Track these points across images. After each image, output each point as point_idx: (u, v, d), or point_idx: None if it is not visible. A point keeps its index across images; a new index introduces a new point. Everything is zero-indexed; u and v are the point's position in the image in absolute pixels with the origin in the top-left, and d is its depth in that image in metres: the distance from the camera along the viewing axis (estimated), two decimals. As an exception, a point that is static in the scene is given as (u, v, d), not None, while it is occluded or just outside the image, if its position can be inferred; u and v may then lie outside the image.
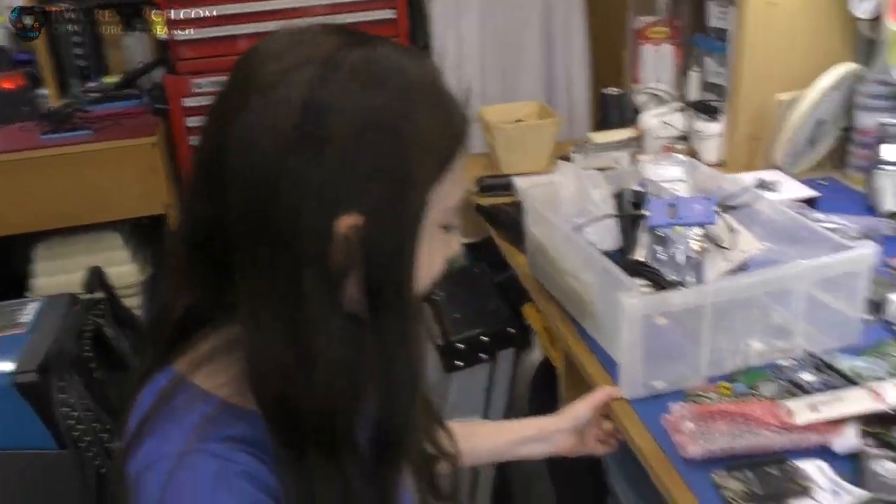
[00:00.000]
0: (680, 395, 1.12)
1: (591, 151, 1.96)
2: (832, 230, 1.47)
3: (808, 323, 1.19)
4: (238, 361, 0.69)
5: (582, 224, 1.38)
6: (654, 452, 1.04)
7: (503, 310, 1.92)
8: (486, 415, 1.94)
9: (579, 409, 1.13)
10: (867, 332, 1.23)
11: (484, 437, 1.11)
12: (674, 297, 1.11)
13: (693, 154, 1.90)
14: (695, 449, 1.00)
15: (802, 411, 1.01)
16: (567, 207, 1.45)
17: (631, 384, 1.14)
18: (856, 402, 1.00)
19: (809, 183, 1.72)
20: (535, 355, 1.91)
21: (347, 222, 0.65)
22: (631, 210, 1.38)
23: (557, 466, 1.82)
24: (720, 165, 1.93)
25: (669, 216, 1.32)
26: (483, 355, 1.89)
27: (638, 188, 1.44)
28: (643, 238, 1.36)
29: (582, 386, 1.27)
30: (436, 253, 0.72)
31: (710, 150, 1.92)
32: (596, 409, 1.13)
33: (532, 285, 1.51)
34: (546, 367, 1.82)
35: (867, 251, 1.15)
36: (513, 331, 1.90)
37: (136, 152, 2.41)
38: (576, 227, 1.37)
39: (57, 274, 2.43)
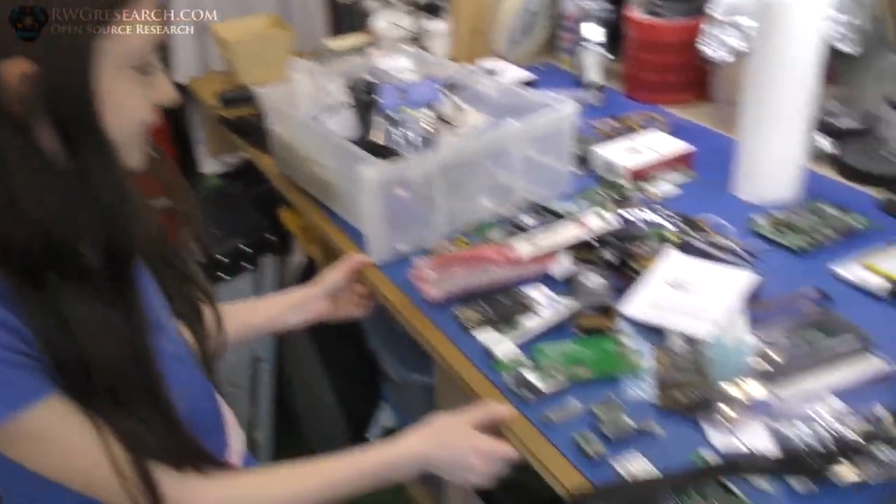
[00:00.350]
0: (423, 253, 1.24)
1: (327, 58, 2.02)
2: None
3: (526, 180, 1.34)
4: None
5: (320, 115, 1.44)
6: (403, 303, 1.15)
7: (260, 220, 1.97)
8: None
9: (331, 276, 1.22)
10: (577, 182, 1.40)
11: (243, 315, 1.16)
12: (406, 166, 1.22)
13: (424, 52, 2.01)
14: (436, 292, 1.11)
15: (524, 247, 1.15)
16: (305, 104, 1.51)
17: (378, 250, 1.24)
18: (566, 233, 1.16)
19: (528, 68, 1.89)
20: (297, 258, 1.98)
21: (15, 69, 0.67)
22: (364, 98, 1.46)
23: (327, 349, 1.93)
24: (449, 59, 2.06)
25: (400, 99, 1.42)
26: (246, 265, 1.94)
27: (370, 78, 1.52)
28: (379, 122, 1.45)
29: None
30: (132, 94, 0.74)
31: (439, 46, 2.04)
32: (347, 274, 1.22)
33: (282, 183, 1.56)
34: (309, 268, 1.90)
35: (569, 109, 1.31)
36: (272, 237, 1.96)
37: None
38: (314, 119, 1.43)
39: None
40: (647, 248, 1.12)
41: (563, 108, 1.31)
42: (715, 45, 1.52)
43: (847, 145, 1.40)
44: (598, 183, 1.40)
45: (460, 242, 1.24)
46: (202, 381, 0.95)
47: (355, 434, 2.04)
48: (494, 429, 0.92)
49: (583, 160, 1.45)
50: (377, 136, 1.43)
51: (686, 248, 1.13)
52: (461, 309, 1.10)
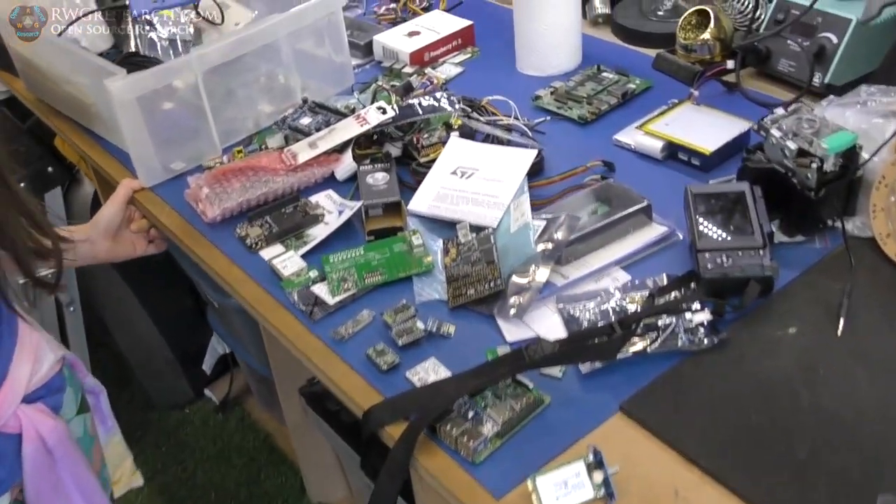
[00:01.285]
0: (199, 171, 1.15)
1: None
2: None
3: (304, 77, 1.25)
4: None
5: (65, 27, 1.28)
6: (181, 227, 1.07)
7: (36, 151, 1.78)
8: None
9: (105, 212, 1.11)
10: (361, 75, 1.33)
11: None
12: (163, 74, 1.10)
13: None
14: (213, 211, 1.04)
15: (304, 151, 1.08)
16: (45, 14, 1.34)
17: (148, 172, 1.14)
18: (346, 130, 1.09)
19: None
20: (86, 188, 1.81)
21: None
22: (110, 2, 1.31)
23: (142, 285, 1.82)
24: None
25: (152, 1, 1.29)
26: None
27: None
28: (134, 30, 1.32)
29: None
30: None
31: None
32: (121, 205, 1.12)
33: (39, 107, 1.40)
34: (98, 198, 1.76)
35: (335, -3, 1.23)
36: (52, 169, 1.78)
37: None
38: (60, 32, 1.27)
39: None
40: (430, 137, 1.08)
41: (329, -3, 1.23)
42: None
43: (623, 7, 1.40)
44: (382, 73, 1.33)
45: (238, 154, 1.15)
46: None
47: (191, 368, 1.95)
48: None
49: (367, 51, 1.38)
50: (131, 45, 1.30)
51: (469, 132, 1.10)
52: (244, 226, 1.03)
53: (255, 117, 1.23)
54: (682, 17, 1.21)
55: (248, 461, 1.86)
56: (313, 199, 1.06)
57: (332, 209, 1.04)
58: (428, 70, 1.31)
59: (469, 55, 1.36)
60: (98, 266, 1.85)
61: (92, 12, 1.29)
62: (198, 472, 1.87)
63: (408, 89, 1.24)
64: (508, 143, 1.07)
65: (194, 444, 1.93)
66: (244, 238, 1.01)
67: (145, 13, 1.29)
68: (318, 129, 1.12)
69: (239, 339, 1.61)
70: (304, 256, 0.97)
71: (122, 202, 1.12)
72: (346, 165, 1.09)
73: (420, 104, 1.11)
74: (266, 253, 0.99)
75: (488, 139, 1.08)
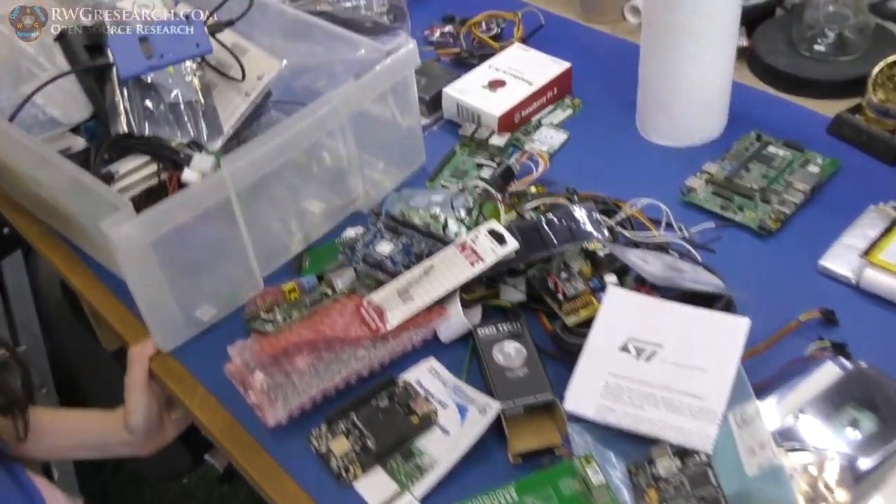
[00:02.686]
0: (237, 320, 0.82)
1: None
2: (353, 9, 1.20)
3: (363, 151, 0.91)
4: None
5: (23, 101, 0.92)
6: (226, 429, 0.74)
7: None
8: (18, 342, 1.49)
9: (135, 410, 0.83)
10: (430, 140, 1.00)
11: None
12: (181, 202, 0.76)
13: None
14: (278, 413, 0.71)
15: (394, 306, 0.76)
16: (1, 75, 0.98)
17: (166, 330, 0.81)
18: (450, 271, 0.77)
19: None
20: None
21: None
22: (88, 59, 0.95)
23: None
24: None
25: (146, 55, 0.93)
26: (-21, 275, 1.41)
27: (87, 21, 1.00)
28: (121, 93, 0.96)
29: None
30: None
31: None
32: (148, 391, 0.82)
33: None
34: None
35: (409, 50, 0.89)
36: (7, 230, 1.42)
37: None
38: (16, 109, 0.91)
39: None
40: (574, 282, 0.76)
41: (404, 47, 0.88)
42: None
43: (764, 37, 1.07)
44: (458, 141, 1.00)
45: (290, 293, 0.82)
46: None
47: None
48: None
49: (433, 105, 1.04)
50: (122, 120, 0.94)
51: (619, 267, 0.78)
52: (322, 434, 0.71)
53: (301, 224, 0.90)
54: (876, 70, 0.90)
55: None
56: (412, 376, 0.75)
57: (445, 398, 0.72)
58: (525, 142, 0.98)
59: (570, 111, 1.03)
60: (70, 330, 1.52)
61: (60, 76, 0.94)
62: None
63: (507, 177, 0.91)
64: (694, 297, 0.74)
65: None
66: (325, 457, 0.69)
67: (137, 73, 0.93)
68: (405, 265, 0.79)
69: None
70: (421, 496, 0.66)
71: (145, 386, 0.81)
72: (454, 324, 0.77)
73: (551, 225, 0.79)
74: (367, 489, 0.67)
75: (671, 292, 0.76)
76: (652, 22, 0.90)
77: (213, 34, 0.96)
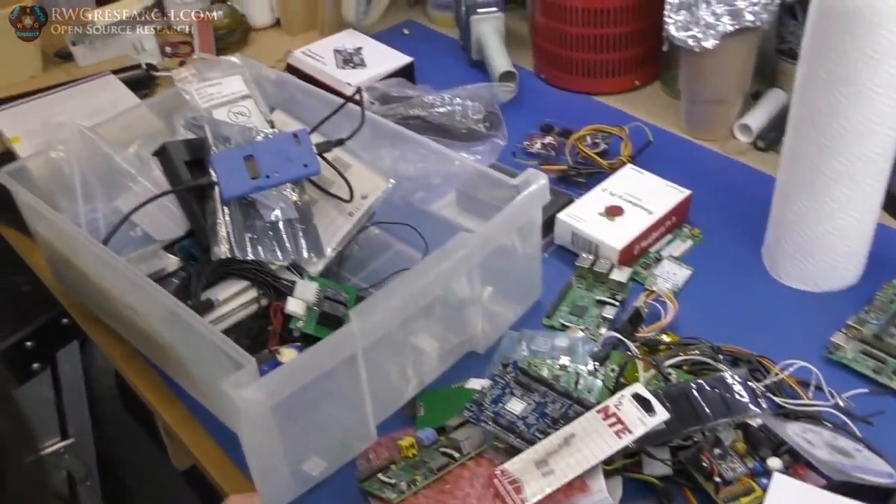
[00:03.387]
0: (347, 477, 0.75)
1: (97, 39, 1.38)
2: (449, 114, 1.15)
3: (484, 285, 0.85)
4: None
5: (117, 224, 0.86)
6: None
7: (41, 295, 1.36)
8: (67, 433, 1.43)
9: None
10: (547, 272, 0.94)
11: None
12: (311, 361, 0.69)
13: (236, 16, 1.41)
14: None
15: (531, 478, 0.69)
16: (89, 188, 0.93)
17: (274, 486, 0.74)
18: (593, 442, 0.70)
19: (393, 39, 1.35)
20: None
21: None
22: (188, 176, 0.90)
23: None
24: (277, 27, 1.47)
25: (250, 175, 0.88)
26: (36, 365, 1.34)
27: (188, 133, 0.95)
28: (222, 216, 0.90)
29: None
30: None
31: (260, 8, 1.45)
32: None
33: (73, 307, 0.99)
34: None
35: (539, 187, 0.83)
36: (67, 320, 1.36)
37: None
38: (109, 234, 0.85)
39: None
40: (733, 464, 0.69)
41: (533, 186, 0.82)
42: (686, 23, 1.05)
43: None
44: (574, 272, 0.94)
45: (408, 448, 0.75)
46: None
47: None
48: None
49: (544, 228, 0.98)
50: (223, 245, 0.88)
51: (775, 443, 0.71)
52: None
53: (416, 367, 0.83)
54: None
55: None
56: (552, 562, 0.67)
57: None
58: (646, 277, 0.92)
59: (690, 242, 0.97)
60: (120, 423, 1.46)
61: (161, 195, 0.88)
62: None
63: (635, 322, 0.85)
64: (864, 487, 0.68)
65: None
66: None
67: (240, 193, 0.88)
68: (540, 430, 0.73)
69: None
70: None
71: None
72: (596, 501, 0.69)
73: (701, 390, 0.72)
74: None
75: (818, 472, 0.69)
76: (796, 160, 0.84)
77: (320, 154, 0.91)
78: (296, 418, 0.72)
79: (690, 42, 1.03)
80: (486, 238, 0.78)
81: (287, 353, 0.75)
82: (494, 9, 1.26)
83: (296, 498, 0.75)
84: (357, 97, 0.95)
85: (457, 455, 0.73)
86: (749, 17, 1.00)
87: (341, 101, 0.96)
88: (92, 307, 0.95)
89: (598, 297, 0.90)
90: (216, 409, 0.80)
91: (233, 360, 0.67)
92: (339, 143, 0.92)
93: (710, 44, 1.02)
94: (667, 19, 1.04)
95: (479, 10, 1.26)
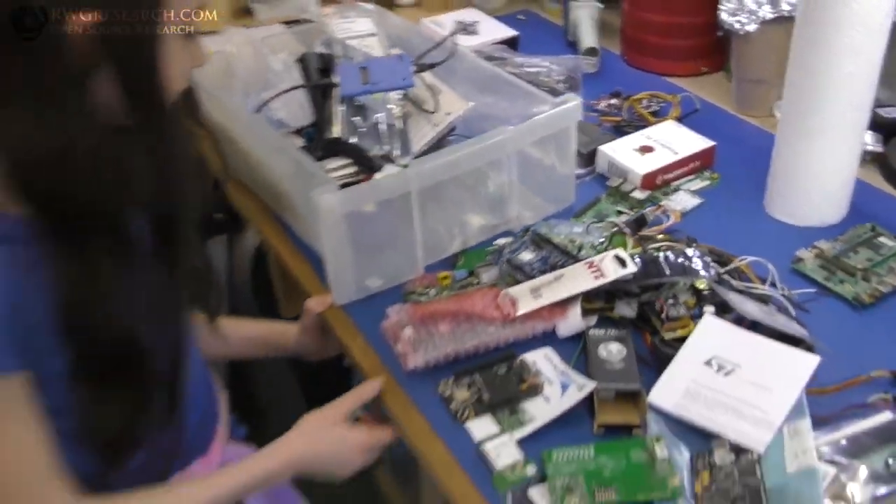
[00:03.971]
0: (397, 292, 1.01)
1: (263, 14, 1.72)
2: (535, 74, 1.40)
3: (522, 184, 1.10)
4: None
5: (266, 100, 1.17)
6: (373, 368, 0.93)
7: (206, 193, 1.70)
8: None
9: (308, 323, 1.05)
10: (581, 188, 1.17)
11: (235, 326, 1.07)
12: (373, 188, 0.97)
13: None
14: (416, 359, 0.89)
15: (525, 299, 0.93)
16: (246, 82, 1.24)
17: (342, 288, 1.01)
18: (576, 280, 0.93)
19: (508, 20, 1.62)
20: (250, 239, 1.72)
21: (82, 19, 0.63)
22: (318, 78, 1.19)
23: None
24: (417, 6, 1.78)
25: (362, 82, 1.16)
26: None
27: (323, 50, 1.25)
28: (338, 109, 1.19)
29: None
30: (180, 61, 0.71)
31: (404, -8, 1.76)
32: (317, 334, 1.03)
33: (227, 179, 1.30)
34: (261, 253, 1.66)
35: (573, 105, 1.07)
36: (220, 215, 1.69)
37: None
38: (259, 106, 1.17)
39: None
40: (677, 307, 0.91)
41: (568, 105, 1.07)
42: (735, 10, 1.26)
43: (895, 144, 1.19)
44: (605, 191, 1.17)
45: (443, 280, 1.01)
46: (203, 367, 0.94)
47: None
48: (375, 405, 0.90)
49: (588, 160, 1.22)
50: (336, 129, 1.17)
51: (719, 301, 0.91)
52: (448, 384, 0.88)
53: (462, 231, 1.08)
54: None
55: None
56: (529, 357, 0.91)
57: (553, 377, 0.88)
58: (662, 199, 1.14)
59: (707, 182, 1.18)
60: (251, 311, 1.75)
61: (296, 88, 1.18)
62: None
63: (641, 223, 1.07)
64: (778, 334, 0.87)
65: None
66: (448, 400, 0.86)
67: (353, 94, 1.16)
68: (541, 271, 0.96)
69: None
70: (520, 443, 0.81)
71: (317, 332, 1.05)
72: (571, 323, 0.92)
73: (667, 260, 0.94)
74: (475, 428, 0.83)
75: (753, 326, 0.89)
76: (791, 118, 1.05)
77: (417, 73, 1.19)
78: (363, 240, 0.99)
79: (736, 25, 1.24)
80: (521, 131, 1.03)
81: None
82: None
83: (357, 300, 1.01)
84: (452, 38, 1.22)
85: (476, 282, 0.98)
86: (786, 7, 1.20)
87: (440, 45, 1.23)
88: (242, 178, 1.25)
89: (618, 209, 1.12)
90: (311, 236, 1.08)
91: (323, 181, 0.94)
92: (432, 66, 1.19)
93: (752, 28, 1.23)
94: (721, 6, 1.26)
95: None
